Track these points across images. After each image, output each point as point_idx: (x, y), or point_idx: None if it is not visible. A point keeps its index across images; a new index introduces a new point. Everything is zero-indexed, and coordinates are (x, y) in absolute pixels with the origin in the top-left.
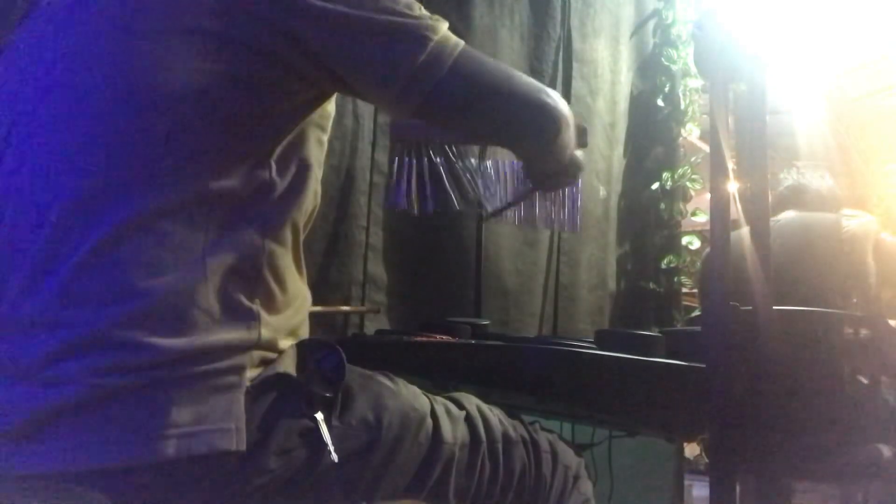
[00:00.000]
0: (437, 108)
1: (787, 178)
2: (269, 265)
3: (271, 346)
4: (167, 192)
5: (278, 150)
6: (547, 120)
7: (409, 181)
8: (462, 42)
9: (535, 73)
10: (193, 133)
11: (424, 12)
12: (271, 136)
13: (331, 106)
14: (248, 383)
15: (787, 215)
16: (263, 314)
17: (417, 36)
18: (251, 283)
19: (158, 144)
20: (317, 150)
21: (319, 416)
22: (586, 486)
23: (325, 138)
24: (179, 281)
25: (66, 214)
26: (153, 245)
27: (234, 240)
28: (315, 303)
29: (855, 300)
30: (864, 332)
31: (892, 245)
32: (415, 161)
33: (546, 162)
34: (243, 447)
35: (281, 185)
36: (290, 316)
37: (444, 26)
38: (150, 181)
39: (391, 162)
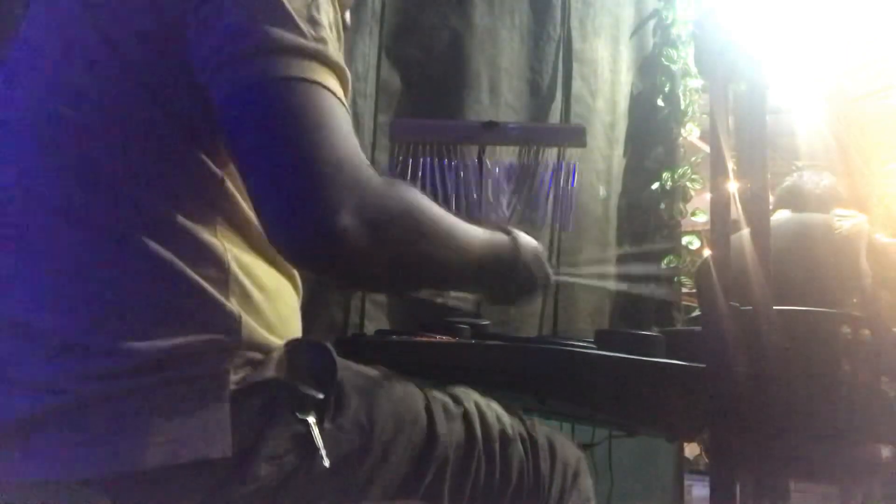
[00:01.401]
0: (224, 114)
1: (788, 180)
2: (237, 261)
3: (255, 345)
4: (131, 198)
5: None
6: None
7: (409, 182)
8: (328, 91)
9: (535, 73)
10: (148, 137)
11: (326, 35)
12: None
13: None
14: (233, 387)
15: (782, 215)
16: (242, 313)
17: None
18: (223, 282)
19: (116, 151)
20: None
21: (311, 419)
22: (586, 484)
23: None
24: (151, 283)
25: (33, 222)
26: (120, 249)
27: (196, 239)
28: (315, 303)
29: (855, 300)
30: (863, 332)
31: (885, 245)
32: (411, 161)
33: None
34: (229, 454)
35: (224, 180)
36: (272, 312)
37: (333, 59)
38: (114, 187)
39: (390, 162)
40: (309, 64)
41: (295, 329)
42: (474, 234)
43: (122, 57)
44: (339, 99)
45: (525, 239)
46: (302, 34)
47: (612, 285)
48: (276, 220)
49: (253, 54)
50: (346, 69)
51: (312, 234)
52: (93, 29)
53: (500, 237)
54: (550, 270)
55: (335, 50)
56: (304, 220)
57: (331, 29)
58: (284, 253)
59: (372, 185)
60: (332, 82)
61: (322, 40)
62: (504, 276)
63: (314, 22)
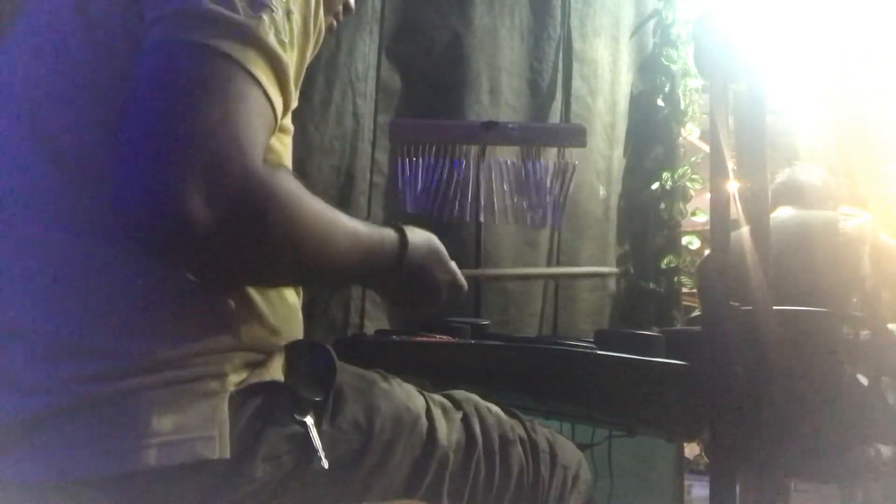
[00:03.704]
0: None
1: (782, 175)
2: None
3: (256, 347)
4: None
5: None
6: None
7: (412, 183)
8: (239, 67)
9: (535, 73)
10: None
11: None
12: None
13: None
14: (232, 388)
15: (784, 212)
16: (241, 314)
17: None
18: None
19: (110, 152)
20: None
21: (309, 420)
22: (586, 486)
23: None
24: (149, 285)
25: (27, 222)
26: (119, 250)
27: None
28: (315, 303)
29: (855, 300)
30: (863, 332)
31: (889, 247)
32: (409, 162)
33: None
34: (227, 455)
35: None
36: (272, 313)
37: (265, 35)
38: (109, 187)
39: (391, 162)
40: (224, 36)
41: (296, 330)
42: (353, 230)
43: (114, 59)
44: (255, 80)
45: (419, 238)
46: (232, 7)
47: (541, 275)
48: (120, 184)
49: (169, 16)
50: (283, 58)
51: (149, 205)
52: (84, 30)
53: (385, 234)
54: (457, 271)
55: (280, 36)
56: (147, 190)
57: (288, 17)
58: (119, 217)
59: (243, 174)
60: (252, 62)
61: (257, 20)
62: (386, 274)
63: (259, 3)
